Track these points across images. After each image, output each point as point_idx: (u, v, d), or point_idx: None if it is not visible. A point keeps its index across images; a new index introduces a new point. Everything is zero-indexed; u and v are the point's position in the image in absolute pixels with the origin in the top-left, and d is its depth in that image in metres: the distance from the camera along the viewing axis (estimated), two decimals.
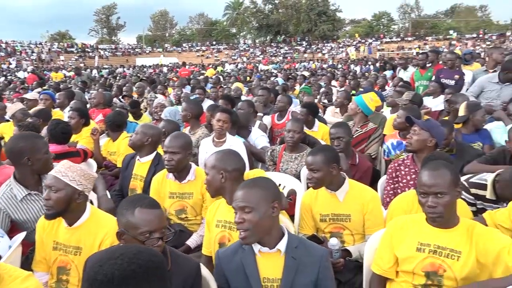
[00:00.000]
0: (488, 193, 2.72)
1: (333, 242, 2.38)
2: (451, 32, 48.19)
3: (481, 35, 45.02)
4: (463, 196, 2.78)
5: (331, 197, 2.66)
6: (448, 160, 2.43)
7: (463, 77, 6.31)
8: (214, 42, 55.53)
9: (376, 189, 3.27)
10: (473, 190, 2.79)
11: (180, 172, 2.97)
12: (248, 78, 14.66)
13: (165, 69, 29.50)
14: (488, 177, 2.77)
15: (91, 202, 2.99)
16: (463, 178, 2.93)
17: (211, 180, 2.42)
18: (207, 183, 2.45)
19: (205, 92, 7.16)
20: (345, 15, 61.59)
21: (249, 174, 3.12)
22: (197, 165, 3.35)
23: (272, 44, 53.43)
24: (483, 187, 2.75)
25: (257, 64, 33.79)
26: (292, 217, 3.01)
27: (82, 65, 36.42)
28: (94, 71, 27.20)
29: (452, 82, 6.15)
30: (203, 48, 52.34)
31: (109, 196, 3.01)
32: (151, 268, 1.23)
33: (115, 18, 64.46)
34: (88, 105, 6.88)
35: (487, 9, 62.90)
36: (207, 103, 5.98)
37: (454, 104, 4.57)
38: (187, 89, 9.07)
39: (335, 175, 2.62)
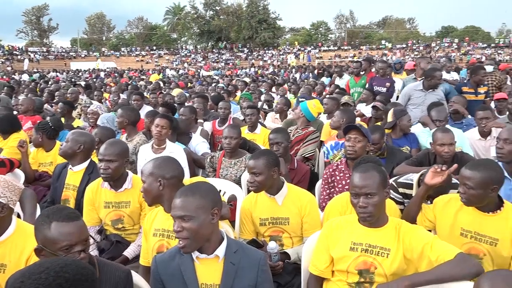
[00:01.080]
0: (414, 192, 2.91)
1: (272, 245, 2.42)
2: (383, 42, 51.17)
3: (410, 45, 48.21)
4: (392, 196, 2.97)
5: (271, 201, 2.71)
6: (377, 163, 2.58)
7: (394, 84, 6.73)
8: (154, 47, 54.35)
9: (314, 192, 3.41)
10: (401, 190, 2.98)
11: (116, 180, 2.87)
12: (189, 84, 14.51)
13: (102, 74, 28.35)
14: (413, 177, 2.98)
15: (18, 215, 2.81)
16: (392, 179, 3.13)
17: (148, 188, 2.35)
18: (144, 191, 2.37)
19: (143, 98, 6.97)
20: (285, 23, 63.33)
21: (190, 181, 3.09)
22: (136, 173, 3.26)
23: (214, 50, 53.41)
24: (410, 186, 2.95)
25: (198, 70, 33.57)
26: (233, 223, 3.02)
27: (9, 68, 33.96)
28: (25, 75, 25.47)
29: (384, 89, 6.55)
30: (143, 53, 51.03)
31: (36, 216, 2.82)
32: (80, 281, 1.17)
33: (46, 19, 60.89)
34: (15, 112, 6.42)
35: (415, 21, 67.85)
36: (145, 109, 5.84)
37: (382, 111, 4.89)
38: (125, 95, 8.79)
39: (275, 178, 2.68)
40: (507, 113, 5.48)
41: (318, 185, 3.44)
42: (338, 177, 3.23)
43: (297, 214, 2.67)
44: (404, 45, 48.82)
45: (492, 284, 1.46)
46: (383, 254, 2.04)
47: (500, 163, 2.88)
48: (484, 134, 4.41)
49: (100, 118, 5.43)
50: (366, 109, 6.20)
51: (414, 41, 50.35)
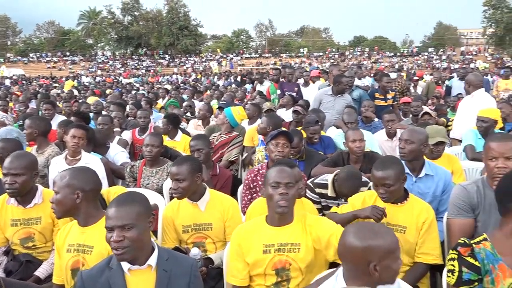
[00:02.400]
0: (329, 191, 3.11)
1: (194, 252, 2.42)
2: (301, 50, 53.42)
3: (328, 53, 50.96)
4: (309, 196, 3.13)
5: (193, 207, 2.70)
6: (290, 163, 2.69)
7: (301, 89, 7.10)
8: (67, 53, 51.06)
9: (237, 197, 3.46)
10: (317, 190, 3.15)
11: (25, 195, 2.66)
12: (108, 92, 13.88)
13: (7, 82, 25.98)
14: (328, 177, 3.17)
15: None
16: (309, 180, 3.30)
17: (63, 200, 2.20)
18: (56, 203, 2.21)
19: (55, 107, 6.53)
20: (206, 30, 63.15)
21: (110, 191, 2.97)
22: (48, 188, 3.04)
23: (134, 56, 51.63)
24: (325, 186, 3.13)
25: (117, 77, 32.23)
26: (155, 233, 2.95)
27: None
28: None
29: (294, 94, 6.90)
30: (55, 59, 47.69)
31: None
32: None
33: None
34: None
35: (330, 31, 71.88)
36: (58, 119, 5.48)
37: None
38: (34, 104, 8.17)
39: (199, 184, 2.69)
40: (411, 115, 6.07)
41: (240, 190, 3.50)
42: (260, 182, 3.30)
43: (220, 219, 2.69)
44: (321, 53, 51.46)
45: (356, 231, 1.60)
46: (295, 249, 2.15)
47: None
48: (390, 135, 4.82)
49: None
50: (286, 114, 6.44)
51: (333, 50, 53.25)
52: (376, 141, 4.75)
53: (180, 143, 4.68)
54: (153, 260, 1.88)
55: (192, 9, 57.85)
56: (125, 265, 1.85)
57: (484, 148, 2.43)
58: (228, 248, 2.40)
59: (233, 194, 3.58)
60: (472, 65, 34.21)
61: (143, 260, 1.86)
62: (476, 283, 1.74)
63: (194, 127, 6.19)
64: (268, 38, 62.38)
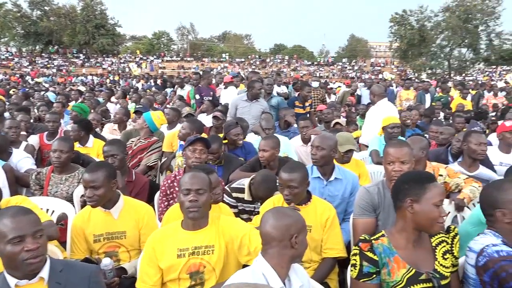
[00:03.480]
0: (246, 195, 3.19)
1: (106, 262, 2.32)
2: (224, 55, 53.75)
3: (251, 58, 51.85)
4: (226, 200, 3.18)
5: (106, 215, 2.60)
6: (208, 169, 2.72)
7: (215, 93, 7.23)
8: None
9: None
10: (234, 194, 3.21)
11: None
12: (12, 92, 12.71)
13: None
14: (245, 182, 3.25)
15: None
16: (227, 185, 3.35)
17: None
18: None
19: None
20: (125, 30, 60.81)
21: (10, 201, 2.74)
22: None
23: (43, 54, 47.82)
24: (242, 190, 3.21)
25: (24, 76, 29.60)
26: (64, 244, 2.78)
27: None
28: None
29: (211, 98, 6.99)
30: None
31: None
32: None
33: None
34: None
35: (251, 38, 73.38)
36: None
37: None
38: None
39: (114, 191, 2.60)
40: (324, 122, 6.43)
41: (157, 196, 3.44)
42: (177, 188, 3.27)
43: (135, 226, 2.63)
44: (243, 59, 52.24)
45: (275, 213, 1.85)
46: (209, 252, 2.19)
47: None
48: (305, 140, 5.07)
49: None
50: (206, 119, 6.45)
51: (256, 56, 54.30)
52: (292, 147, 4.97)
53: (92, 149, 4.45)
54: (45, 272, 1.77)
55: (110, 8, 55.23)
56: (11, 281, 1.73)
57: (383, 153, 2.68)
58: (141, 253, 2.35)
59: (152, 200, 3.50)
60: (380, 76, 37.18)
61: (32, 273, 1.75)
62: (375, 275, 1.91)
63: (110, 131, 5.94)
64: (190, 42, 61.88)
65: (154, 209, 3.39)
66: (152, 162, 4.50)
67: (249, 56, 53.11)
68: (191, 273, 2.15)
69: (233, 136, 4.45)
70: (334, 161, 3.87)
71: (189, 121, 4.55)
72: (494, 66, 40.86)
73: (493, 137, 5.23)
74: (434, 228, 1.89)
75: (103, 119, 7.09)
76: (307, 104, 6.88)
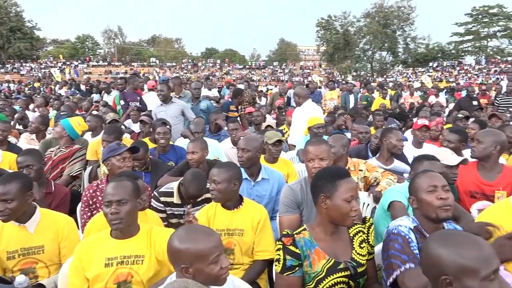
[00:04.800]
0: (175, 198, 3.14)
1: (20, 279, 2.16)
2: (153, 59, 52.52)
3: (185, 62, 51.15)
4: (154, 205, 3.12)
5: (20, 230, 2.44)
6: (133, 176, 2.65)
7: (142, 98, 7.07)
8: None
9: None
10: (162, 199, 3.16)
11: None
12: None
13: None
14: (174, 185, 3.21)
15: None
16: (155, 190, 3.28)
17: None
18: None
19: None
20: (45, 34, 57.03)
21: None
22: None
23: None
24: (170, 194, 3.16)
25: None
26: None
27: None
28: None
29: (137, 103, 6.83)
30: None
31: None
32: None
33: None
34: None
35: (182, 41, 72.53)
36: None
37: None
38: None
39: (29, 204, 2.44)
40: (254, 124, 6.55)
41: (79, 207, 3.28)
42: (100, 197, 3.14)
43: (54, 240, 2.48)
44: (174, 63, 51.44)
45: (181, 233, 1.69)
46: (138, 261, 2.13)
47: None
48: (235, 143, 5.11)
49: None
50: (135, 126, 6.28)
51: (189, 60, 53.67)
52: (223, 149, 5.00)
53: (2, 164, 4.09)
54: None
55: (27, 9, 51.58)
56: None
57: (304, 151, 2.80)
58: (68, 264, 2.24)
59: (74, 212, 3.33)
60: (309, 78, 38.60)
61: None
62: (298, 268, 1.99)
63: (27, 141, 5.53)
64: (118, 46, 59.65)
65: (77, 221, 3.25)
66: (76, 172, 4.28)
67: (184, 60, 52.40)
68: (118, 282, 2.09)
69: (156, 135, 4.42)
70: (263, 160, 3.99)
71: (105, 130, 4.41)
72: (411, 68, 44.27)
73: (408, 134, 5.66)
74: (347, 222, 2.01)
75: (21, 128, 6.61)
76: (239, 107, 6.99)
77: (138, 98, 6.92)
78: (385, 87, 12.59)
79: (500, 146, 3.22)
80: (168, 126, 4.60)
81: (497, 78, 28.22)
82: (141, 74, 24.81)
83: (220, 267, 1.65)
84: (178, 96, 6.54)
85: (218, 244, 1.68)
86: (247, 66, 53.15)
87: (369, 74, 39.25)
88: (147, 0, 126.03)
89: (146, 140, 4.81)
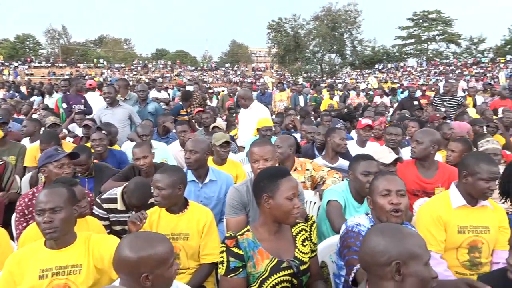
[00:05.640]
0: (119, 205, 3.05)
1: None
2: (101, 60, 50.67)
3: (135, 64, 49.71)
4: (97, 212, 3.00)
5: None
6: (71, 182, 2.54)
7: (87, 100, 6.82)
8: None
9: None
10: (105, 205, 3.05)
11: None
12: None
13: None
14: (117, 191, 3.11)
15: None
16: (97, 197, 3.16)
17: None
18: None
19: None
20: None
21: None
22: None
23: None
24: (114, 200, 3.06)
25: None
26: None
27: None
28: None
29: (82, 106, 6.56)
30: None
31: None
32: None
33: None
34: None
35: (131, 42, 70.59)
36: None
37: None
38: None
39: None
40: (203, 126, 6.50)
41: (13, 218, 3.09)
42: None
43: None
44: (123, 65, 49.95)
45: (130, 242, 1.64)
46: (75, 271, 2.05)
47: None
48: (184, 145, 5.04)
49: None
50: (78, 130, 6.02)
51: (140, 62, 52.25)
52: (171, 152, 4.92)
53: None
54: None
55: None
56: None
57: (249, 153, 2.81)
58: None
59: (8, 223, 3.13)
60: (261, 80, 38.93)
61: None
62: (241, 269, 1.99)
63: None
64: (62, 46, 57.00)
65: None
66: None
67: (134, 62, 50.97)
68: None
69: (92, 142, 4.28)
70: (211, 162, 3.97)
71: (41, 136, 4.21)
72: (358, 70, 45.93)
73: (354, 133, 5.87)
74: (290, 220, 2.03)
75: None
76: (188, 111, 6.90)
77: (83, 100, 6.62)
78: (334, 88, 12.98)
79: (437, 145, 3.42)
80: (103, 132, 4.44)
81: (437, 80, 30.01)
82: (88, 76, 23.92)
83: (174, 269, 1.66)
84: (123, 99, 6.36)
85: (172, 246, 1.69)
86: (198, 68, 52.68)
87: (319, 76, 40.22)
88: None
89: (90, 144, 4.63)
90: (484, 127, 5.70)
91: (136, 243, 1.62)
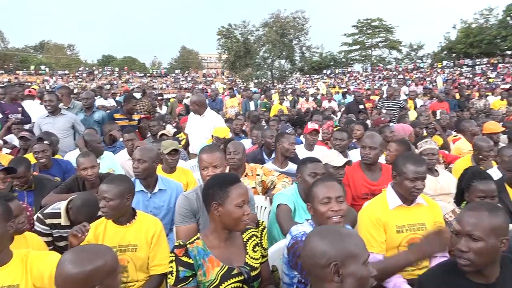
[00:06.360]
0: (63, 220, 2.89)
1: None
2: (43, 67, 48.18)
3: (81, 70, 47.69)
4: (38, 228, 2.84)
5: None
6: (7, 197, 2.39)
7: (25, 109, 6.48)
8: None
9: None
10: (48, 221, 2.88)
11: None
12: None
13: None
14: (61, 205, 2.95)
15: None
16: (39, 212, 2.98)
17: None
18: None
19: None
20: None
21: None
22: None
23: None
24: (57, 215, 2.90)
25: None
26: None
27: None
28: None
29: (19, 115, 6.23)
30: None
31: None
32: None
33: None
34: None
35: (76, 48, 67.73)
36: None
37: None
38: None
39: None
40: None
41: None
42: None
43: None
44: (67, 71, 47.84)
45: (73, 258, 1.53)
46: None
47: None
48: (131, 154, 4.90)
49: None
50: (16, 141, 5.68)
51: (86, 68, 50.23)
52: (118, 161, 4.77)
53: None
54: None
55: None
56: None
57: (198, 159, 2.79)
58: None
59: None
60: (212, 86, 38.79)
61: None
62: (191, 279, 1.97)
63: None
64: None
65: None
66: None
67: (80, 68, 48.91)
68: None
69: (34, 154, 4.09)
70: (160, 171, 3.89)
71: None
72: (307, 75, 47.08)
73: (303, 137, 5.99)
74: (240, 227, 2.03)
75: None
76: (136, 117, 6.66)
77: (20, 109, 6.25)
78: (284, 93, 13.21)
79: (383, 148, 3.59)
80: (46, 142, 4.23)
81: (381, 84, 31.40)
82: (28, 84, 22.64)
83: (120, 277, 1.62)
84: (66, 107, 6.09)
85: (116, 255, 1.64)
86: (148, 74, 51.57)
87: (269, 81, 40.72)
88: (33, 2, 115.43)
89: (30, 156, 4.37)
90: (424, 129, 6.05)
91: (82, 257, 1.53)
